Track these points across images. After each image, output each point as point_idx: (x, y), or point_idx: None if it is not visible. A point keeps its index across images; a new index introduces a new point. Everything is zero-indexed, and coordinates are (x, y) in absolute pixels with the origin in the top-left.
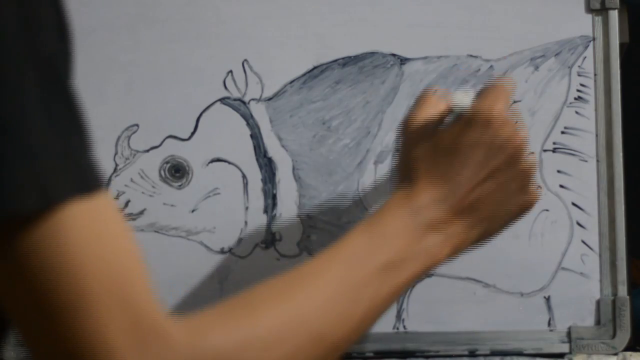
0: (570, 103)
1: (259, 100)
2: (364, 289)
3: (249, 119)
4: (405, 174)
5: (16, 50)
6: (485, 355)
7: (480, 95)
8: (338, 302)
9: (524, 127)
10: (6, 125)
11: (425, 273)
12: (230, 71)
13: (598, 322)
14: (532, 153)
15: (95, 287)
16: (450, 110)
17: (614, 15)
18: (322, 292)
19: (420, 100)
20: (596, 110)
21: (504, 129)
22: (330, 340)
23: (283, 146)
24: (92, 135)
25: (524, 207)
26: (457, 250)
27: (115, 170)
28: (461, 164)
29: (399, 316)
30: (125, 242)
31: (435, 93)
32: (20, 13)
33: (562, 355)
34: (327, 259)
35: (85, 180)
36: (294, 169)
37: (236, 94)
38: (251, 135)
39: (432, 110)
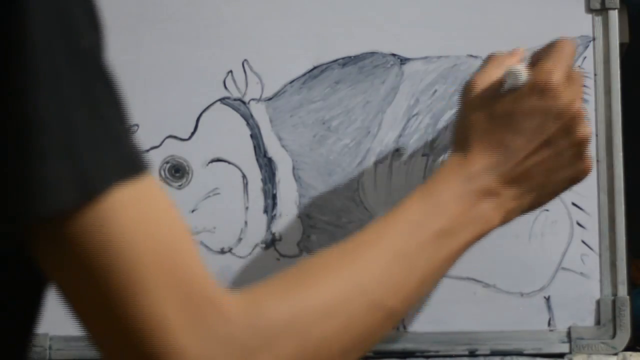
0: None
1: (259, 100)
2: (419, 257)
3: (249, 119)
4: (460, 138)
5: (52, 44)
6: (485, 355)
7: (541, 57)
8: (394, 271)
9: (583, 95)
10: (46, 119)
11: (479, 239)
12: (230, 71)
13: (598, 322)
14: (588, 122)
15: (147, 266)
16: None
17: (614, 15)
18: (377, 261)
19: (484, 64)
20: (596, 110)
21: (562, 97)
22: (386, 309)
23: (283, 146)
24: (130, 118)
25: (577, 177)
26: (509, 217)
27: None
28: (516, 132)
29: None
30: (172, 221)
31: (498, 56)
32: (54, 7)
33: (562, 355)
34: (382, 227)
35: (128, 164)
36: (294, 169)
37: (236, 94)
38: (251, 135)
39: (493, 73)
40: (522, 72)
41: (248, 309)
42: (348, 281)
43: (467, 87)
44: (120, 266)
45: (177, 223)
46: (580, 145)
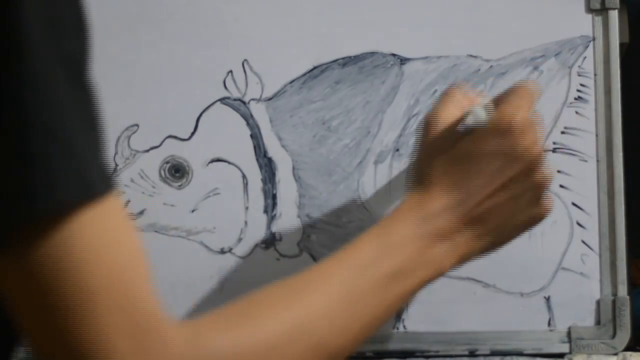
0: (570, 103)
1: (259, 100)
2: (368, 297)
3: (249, 119)
4: (419, 177)
5: (45, 49)
6: (485, 355)
7: (503, 99)
8: (341, 311)
9: (543, 137)
10: (26, 124)
11: (431, 281)
12: (230, 71)
13: (598, 322)
14: (549, 165)
15: (98, 289)
16: (469, 115)
17: (614, 15)
18: (325, 300)
19: (441, 100)
20: (596, 110)
21: (524, 139)
22: (331, 349)
23: (283, 146)
24: (105, 134)
25: (535, 220)
26: (463, 259)
27: (115, 170)
28: (476, 173)
29: (398, 316)
30: (131, 247)
31: (456, 93)
32: (46, 13)
33: (562, 355)
34: (333, 265)
35: (95, 183)
36: (294, 169)
37: (236, 94)
38: (251, 135)
39: (452, 111)
40: (483, 113)
41: (191, 340)
42: (293, 320)
43: (425, 125)
44: (71, 287)
45: (133, 248)
46: (539, 188)
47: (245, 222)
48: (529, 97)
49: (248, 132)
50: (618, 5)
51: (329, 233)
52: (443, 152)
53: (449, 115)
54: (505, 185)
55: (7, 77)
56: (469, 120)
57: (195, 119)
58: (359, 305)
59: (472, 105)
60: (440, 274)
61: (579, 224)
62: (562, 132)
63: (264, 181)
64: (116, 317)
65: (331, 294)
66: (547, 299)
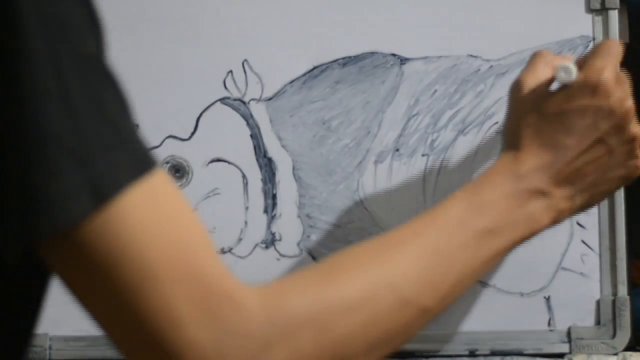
0: None
1: (259, 100)
2: (458, 255)
3: (249, 119)
4: (511, 138)
5: (54, 50)
6: (485, 355)
7: (590, 57)
8: (430, 269)
9: (631, 93)
10: (54, 128)
11: (525, 240)
12: (230, 71)
13: (598, 322)
14: (638, 122)
15: (160, 264)
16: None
17: (614, 15)
18: (412, 258)
19: (531, 62)
20: None
21: (611, 96)
22: (419, 306)
23: (283, 146)
24: (134, 115)
25: (629, 175)
26: (560, 217)
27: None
28: (567, 131)
29: None
30: (185, 216)
31: (546, 53)
32: (53, 13)
33: (562, 355)
34: (420, 223)
35: (138, 164)
36: (294, 169)
37: (236, 94)
38: (251, 135)
39: (542, 71)
40: (573, 69)
41: (266, 302)
42: (377, 276)
43: (516, 86)
44: (134, 266)
45: (188, 218)
46: (631, 143)
47: (245, 222)
48: (614, 54)
49: (248, 132)
50: (618, 5)
51: (329, 233)
52: (534, 111)
53: (538, 75)
54: (598, 141)
55: (20, 80)
56: (559, 78)
57: (195, 119)
58: (448, 263)
59: (561, 63)
60: (538, 230)
61: (579, 224)
62: None
63: (264, 181)
64: (183, 287)
65: (419, 252)
66: (547, 299)
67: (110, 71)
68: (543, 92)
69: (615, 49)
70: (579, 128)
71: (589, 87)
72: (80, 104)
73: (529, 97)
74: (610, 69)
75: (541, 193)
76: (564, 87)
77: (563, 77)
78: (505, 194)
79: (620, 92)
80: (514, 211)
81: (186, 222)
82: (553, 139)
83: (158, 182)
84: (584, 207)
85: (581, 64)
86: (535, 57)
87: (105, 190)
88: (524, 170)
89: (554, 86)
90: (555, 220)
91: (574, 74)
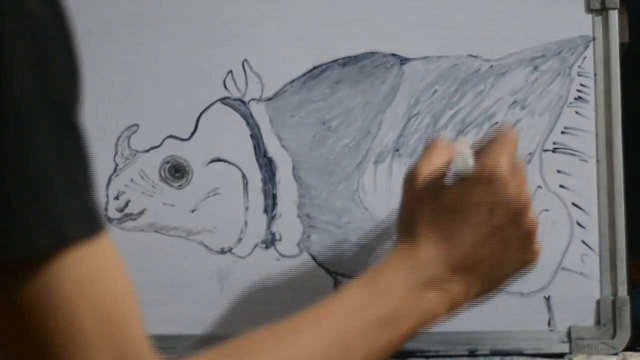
0: (570, 103)
1: (259, 100)
2: (358, 342)
3: (249, 119)
4: (407, 227)
5: (29, 91)
6: (485, 355)
7: (486, 147)
8: (331, 355)
9: (528, 183)
10: (17, 168)
11: (424, 327)
12: (230, 71)
13: (598, 322)
14: (534, 211)
15: (87, 330)
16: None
17: (614, 15)
18: (315, 344)
19: (426, 150)
20: (596, 110)
21: (507, 188)
22: None
23: (283, 146)
24: (95, 174)
25: (524, 266)
26: (454, 308)
27: (115, 170)
28: (463, 222)
29: None
30: (121, 287)
31: (441, 142)
32: (34, 52)
33: (562, 355)
34: (321, 311)
35: (92, 221)
36: (294, 169)
37: (236, 94)
38: (251, 135)
39: (437, 160)
40: (470, 159)
41: None
42: None
43: (411, 175)
44: (61, 325)
45: (123, 289)
46: (527, 234)
47: (245, 222)
48: (510, 144)
49: (248, 132)
50: (618, 5)
51: (329, 233)
52: (430, 201)
53: (434, 163)
54: (493, 233)
55: None
56: (454, 168)
57: (195, 119)
58: (349, 350)
59: (457, 153)
60: (432, 322)
61: (579, 224)
62: (562, 132)
63: (264, 181)
64: (103, 351)
65: (321, 338)
66: (547, 299)
67: (77, 123)
68: (438, 181)
69: (512, 139)
70: (474, 220)
71: (485, 179)
72: (42, 151)
73: (425, 187)
74: (505, 160)
75: (436, 283)
76: (460, 176)
77: (459, 166)
78: (402, 284)
79: (515, 183)
80: (410, 301)
81: (120, 294)
82: (448, 229)
83: (101, 246)
84: (481, 294)
85: (479, 150)
86: (430, 145)
87: (57, 236)
88: (420, 261)
89: (451, 174)
90: (451, 309)
91: (470, 163)
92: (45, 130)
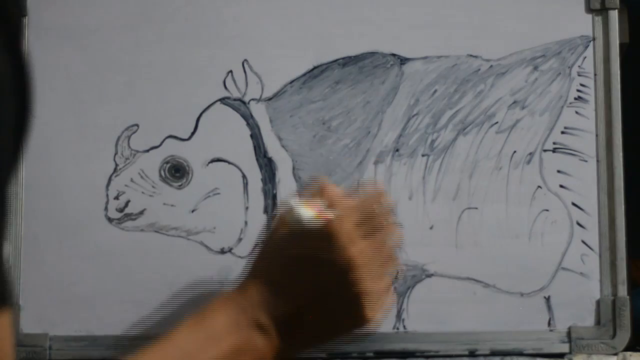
0: (570, 103)
1: (259, 100)
2: None
3: (249, 119)
4: (248, 269)
5: None
6: (485, 355)
7: (343, 203)
8: None
9: (366, 250)
10: None
11: None
12: (230, 71)
13: (598, 322)
14: (370, 275)
15: None
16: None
17: (614, 15)
18: None
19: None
20: (596, 110)
21: (341, 247)
22: None
23: (283, 146)
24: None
25: (356, 326)
26: (282, 355)
27: (115, 170)
28: (288, 273)
29: (399, 316)
30: None
31: (324, 187)
32: None
33: (562, 355)
34: (156, 354)
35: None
36: (294, 169)
37: (236, 94)
38: (251, 135)
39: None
40: (301, 212)
41: None
42: None
43: (276, 221)
44: None
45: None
46: (355, 299)
47: (245, 222)
48: (365, 203)
49: (248, 132)
50: (618, 5)
51: None
52: (271, 246)
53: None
54: (318, 288)
55: None
56: (289, 218)
57: (195, 119)
58: None
59: (290, 206)
60: None
61: (579, 224)
62: (562, 132)
63: (264, 181)
64: None
65: None
66: (547, 299)
67: (5, 194)
68: (285, 228)
69: (371, 202)
70: (299, 272)
71: (321, 235)
72: None
73: (271, 234)
74: (352, 223)
75: (263, 327)
76: (297, 228)
77: (291, 218)
78: (231, 324)
79: (354, 247)
80: (240, 342)
81: None
82: (275, 278)
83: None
84: (308, 346)
85: (333, 202)
86: (316, 188)
87: None
88: (246, 304)
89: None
90: (279, 356)
91: (302, 216)
92: None
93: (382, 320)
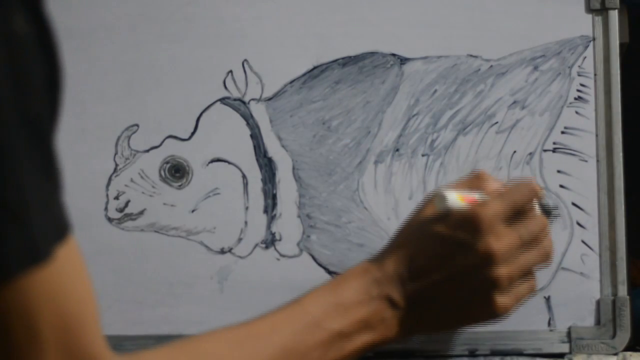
0: (570, 103)
1: (259, 100)
2: (311, 353)
3: (249, 119)
4: (387, 244)
5: (6, 111)
6: (485, 355)
7: (498, 194)
8: None
9: (510, 244)
10: None
11: (376, 346)
12: (230, 71)
13: (598, 322)
14: (506, 268)
15: (47, 332)
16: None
17: (614, 15)
18: (268, 352)
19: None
20: (596, 110)
21: (481, 235)
22: None
23: (283, 146)
24: (64, 188)
25: (488, 317)
26: (409, 332)
27: (115, 170)
28: (424, 255)
29: None
30: (83, 288)
31: (480, 176)
32: (12, 74)
33: (562, 355)
34: (278, 319)
35: (44, 245)
36: (294, 169)
37: (236, 94)
38: (251, 135)
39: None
40: (448, 198)
41: None
42: None
43: (425, 200)
44: (25, 325)
45: (84, 290)
46: (491, 287)
47: (245, 222)
48: (518, 194)
49: (248, 132)
50: (618, 5)
51: (329, 233)
52: (405, 227)
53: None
54: (452, 275)
55: None
56: (436, 204)
57: (195, 119)
58: (303, 359)
59: (437, 194)
60: (385, 341)
61: (579, 224)
62: (562, 132)
63: (264, 181)
64: (59, 355)
65: (275, 346)
66: (547, 299)
67: (50, 142)
68: (432, 209)
69: (521, 195)
70: (435, 255)
71: (462, 220)
72: (16, 167)
73: (417, 215)
74: (497, 212)
75: (394, 303)
76: (445, 214)
77: (438, 205)
78: (361, 297)
79: (494, 235)
80: (368, 316)
81: (81, 296)
82: (411, 257)
83: (61, 260)
84: (434, 329)
85: (495, 192)
86: (472, 176)
87: (39, 253)
88: (380, 276)
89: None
90: (404, 334)
91: (447, 203)
92: (20, 152)
93: (511, 314)
